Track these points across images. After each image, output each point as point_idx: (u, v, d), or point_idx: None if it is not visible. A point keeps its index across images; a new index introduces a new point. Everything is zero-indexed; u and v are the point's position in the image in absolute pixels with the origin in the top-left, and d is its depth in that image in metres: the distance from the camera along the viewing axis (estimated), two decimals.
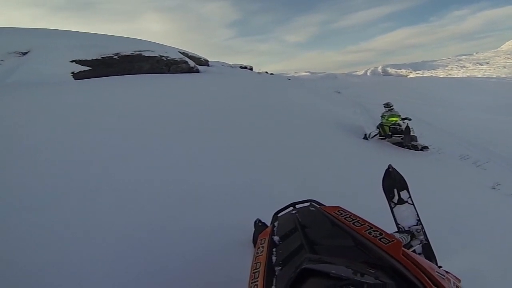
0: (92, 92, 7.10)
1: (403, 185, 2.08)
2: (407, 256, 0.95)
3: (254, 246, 1.56)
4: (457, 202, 3.89)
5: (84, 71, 10.05)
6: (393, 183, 2.08)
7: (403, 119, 7.02)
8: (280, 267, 1.15)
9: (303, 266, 0.85)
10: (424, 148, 6.60)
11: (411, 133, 6.54)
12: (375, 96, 17.66)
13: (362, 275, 0.75)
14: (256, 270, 1.19)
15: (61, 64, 9.93)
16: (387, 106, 7.66)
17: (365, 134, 7.24)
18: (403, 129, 6.66)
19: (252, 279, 1.15)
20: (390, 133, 6.86)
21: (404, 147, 6.65)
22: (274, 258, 1.23)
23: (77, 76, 9.78)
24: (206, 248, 2.10)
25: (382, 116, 7.45)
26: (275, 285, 1.06)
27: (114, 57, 10.90)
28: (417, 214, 2.02)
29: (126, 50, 11.34)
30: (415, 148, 6.61)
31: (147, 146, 3.86)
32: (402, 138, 6.68)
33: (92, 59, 10.43)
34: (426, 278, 0.84)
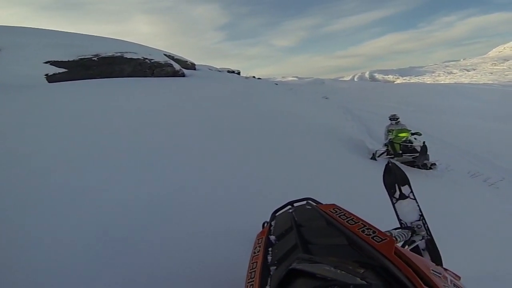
0: (66, 99, 6.54)
1: (404, 180, 2.09)
2: (401, 254, 0.94)
3: None
4: (489, 236, 3.44)
5: (60, 73, 9.41)
6: (394, 178, 2.09)
7: (412, 133, 6.42)
8: (275, 267, 1.15)
9: (290, 267, 0.85)
10: (432, 165, 6.02)
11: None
12: (364, 102, 17.58)
13: (350, 275, 0.74)
14: (252, 270, 1.20)
15: (34, 65, 9.26)
16: (393, 118, 6.95)
17: (373, 154, 6.43)
18: (415, 147, 6.08)
19: (248, 279, 1.16)
20: (400, 152, 6.16)
21: (414, 167, 6.04)
22: (269, 258, 1.23)
23: (51, 78, 9.14)
24: (214, 250, 2.11)
25: (389, 131, 6.73)
26: (270, 285, 1.05)
27: (93, 58, 10.27)
28: (420, 209, 2.01)
29: (107, 51, 10.72)
30: (424, 166, 6.01)
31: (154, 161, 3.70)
32: (413, 158, 6.03)
33: (68, 60, 9.80)
34: (417, 277, 0.81)
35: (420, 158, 5.89)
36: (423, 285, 0.79)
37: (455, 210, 4.05)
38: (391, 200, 2.09)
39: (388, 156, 6.37)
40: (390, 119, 7.05)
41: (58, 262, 1.82)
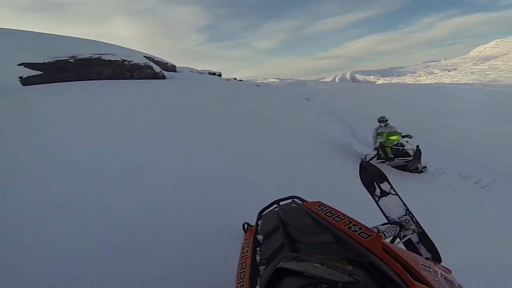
0: (42, 104, 6.36)
1: (382, 177, 2.10)
2: (388, 250, 0.94)
3: None
4: (487, 238, 3.46)
5: (35, 76, 9.15)
6: (371, 176, 2.11)
7: (403, 136, 6.19)
8: (264, 266, 1.15)
9: (277, 266, 0.84)
10: (423, 168, 5.88)
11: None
12: (346, 103, 17.80)
13: (337, 272, 0.74)
14: (242, 270, 1.20)
15: (7, 67, 8.97)
16: (382, 120, 6.73)
17: (363, 158, 6.11)
18: (407, 150, 5.91)
19: (238, 280, 1.17)
20: (392, 156, 5.89)
21: (406, 171, 5.85)
22: (258, 258, 1.24)
23: (25, 81, 8.89)
24: (214, 250, 2.13)
25: (379, 134, 6.47)
26: (259, 285, 1.06)
27: (70, 60, 10.04)
28: (404, 204, 2.01)
29: (84, 53, 10.51)
30: (416, 170, 5.84)
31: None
32: (406, 161, 5.80)
33: (44, 62, 9.53)
34: (405, 272, 0.81)
35: (413, 162, 5.71)
36: (412, 279, 0.79)
37: (452, 214, 4.10)
38: (373, 198, 2.09)
39: (379, 161, 6.10)
40: (379, 121, 6.85)
41: (58, 264, 1.86)
